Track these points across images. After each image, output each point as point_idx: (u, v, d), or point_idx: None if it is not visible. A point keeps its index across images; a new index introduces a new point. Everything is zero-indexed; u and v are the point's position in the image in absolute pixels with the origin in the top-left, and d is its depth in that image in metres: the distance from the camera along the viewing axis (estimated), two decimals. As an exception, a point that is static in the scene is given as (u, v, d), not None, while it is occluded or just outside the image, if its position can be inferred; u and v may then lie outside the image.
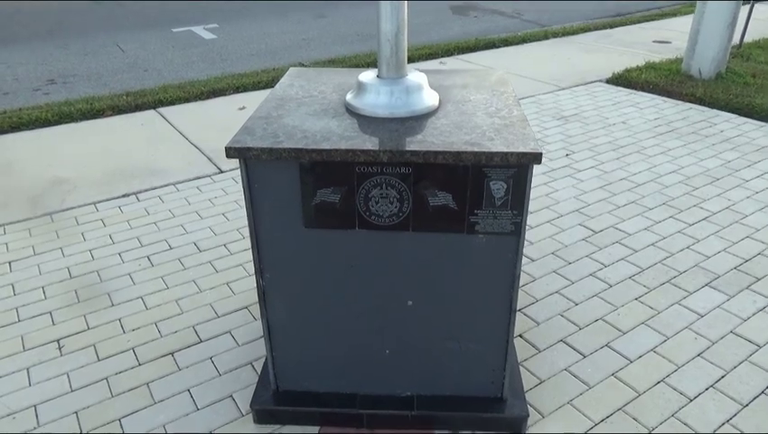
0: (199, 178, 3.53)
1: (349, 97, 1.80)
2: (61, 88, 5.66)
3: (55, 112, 4.53)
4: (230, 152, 1.51)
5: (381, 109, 1.69)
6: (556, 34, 7.06)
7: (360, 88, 1.75)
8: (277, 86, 1.99)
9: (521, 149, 1.47)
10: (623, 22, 7.82)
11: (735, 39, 5.54)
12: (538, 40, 6.83)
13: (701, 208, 3.08)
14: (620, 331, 2.21)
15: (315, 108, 1.77)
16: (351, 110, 1.75)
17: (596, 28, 7.41)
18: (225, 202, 3.22)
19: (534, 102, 4.68)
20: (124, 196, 3.31)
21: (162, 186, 3.42)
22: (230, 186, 3.41)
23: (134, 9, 9.70)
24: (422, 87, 1.75)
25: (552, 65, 5.72)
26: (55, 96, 5.34)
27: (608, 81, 5.20)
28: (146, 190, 3.38)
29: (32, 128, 4.29)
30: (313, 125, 1.65)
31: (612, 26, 7.54)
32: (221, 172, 3.60)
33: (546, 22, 8.43)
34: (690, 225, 2.92)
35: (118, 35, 7.66)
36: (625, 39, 6.78)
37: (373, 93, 1.72)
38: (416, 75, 1.78)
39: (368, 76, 1.77)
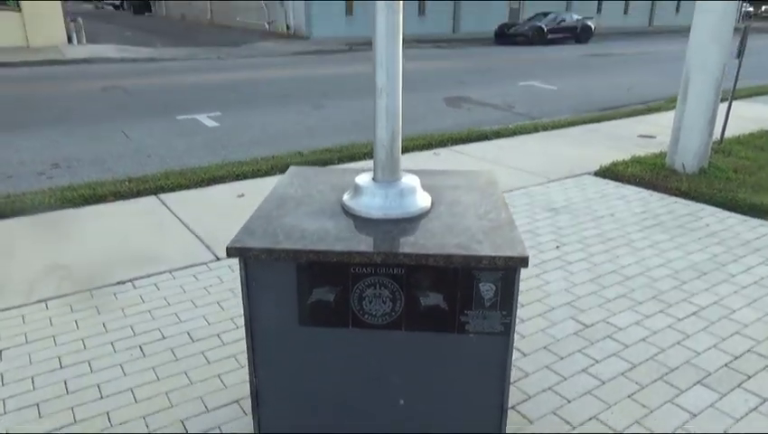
0: (195, 265, 3.57)
1: (345, 197, 1.89)
2: (65, 172, 5.81)
3: (57, 197, 4.63)
4: (231, 252, 1.57)
5: (376, 211, 1.78)
6: (545, 127, 7.37)
7: (357, 190, 1.85)
8: (278, 184, 2.08)
9: (509, 253, 1.54)
10: (610, 116, 8.20)
11: (716, 134, 5.81)
12: (529, 132, 7.12)
13: (690, 302, 3.12)
14: (614, 431, 2.19)
15: (314, 208, 1.86)
16: (347, 211, 1.83)
17: (584, 122, 7.75)
18: (220, 291, 3.25)
19: (525, 194, 4.83)
20: (119, 283, 3.33)
21: (158, 273, 3.46)
22: (226, 274, 3.45)
23: (141, 98, 10.13)
24: (415, 189, 1.85)
25: (542, 157, 5.94)
26: (59, 180, 5.47)
27: (596, 174, 5.39)
28: (143, 277, 3.41)
29: (34, 213, 4.37)
30: (310, 225, 1.73)
31: (599, 120, 7.89)
32: (218, 259, 3.64)
33: (536, 115, 8.83)
34: (680, 320, 2.95)
35: (124, 123, 7.95)
36: (612, 133, 7.08)
37: (368, 195, 1.81)
38: (409, 178, 1.89)
39: (364, 179, 1.87)
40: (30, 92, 10.65)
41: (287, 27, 23.03)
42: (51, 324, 2.91)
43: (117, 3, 46.28)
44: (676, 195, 4.80)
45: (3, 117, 8.40)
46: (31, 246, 3.83)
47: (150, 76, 12.76)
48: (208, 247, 3.81)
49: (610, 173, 5.35)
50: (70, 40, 17.87)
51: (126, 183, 5.04)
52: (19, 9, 16.69)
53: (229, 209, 4.47)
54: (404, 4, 1.76)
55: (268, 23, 24.07)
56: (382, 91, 1.76)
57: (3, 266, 3.53)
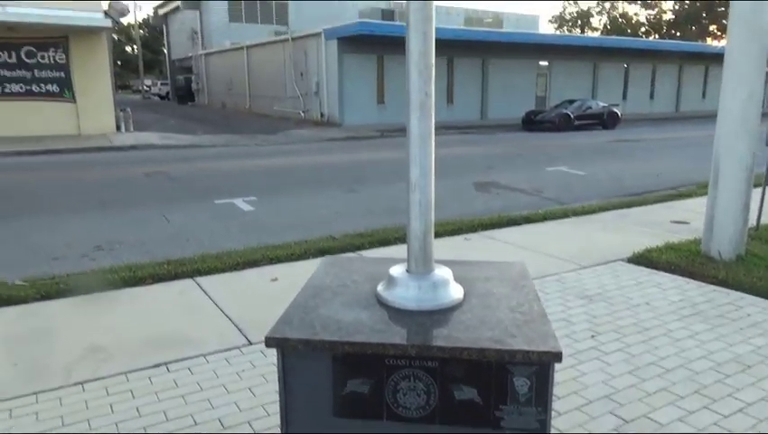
0: (228, 350, 3.61)
1: (380, 288, 1.94)
2: (107, 255, 6.04)
3: (99, 279, 4.80)
4: (270, 342, 1.62)
5: (410, 302, 1.82)
6: (575, 213, 7.40)
7: (391, 281, 1.90)
8: (314, 274, 2.15)
9: (542, 348, 1.55)
10: (640, 202, 8.20)
11: (752, 221, 5.74)
12: (559, 218, 7.15)
13: (735, 398, 3.00)
14: None
15: (349, 299, 1.91)
16: (381, 302, 1.88)
17: (614, 207, 7.76)
18: (252, 376, 3.26)
19: (557, 280, 4.80)
20: (155, 367, 3.38)
21: (192, 357, 3.50)
22: (258, 359, 3.47)
23: (182, 182, 10.60)
24: (448, 281, 1.89)
25: (573, 243, 5.93)
26: (101, 262, 5.68)
27: (629, 261, 5.34)
28: (177, 360, 3.46)
29: (77, 295, 4.53)
30: (346, 316, 1.77)
31: (629, 206, 7.89)
32: (251, 344, 3.68)
33: (565, 200, 8.89)
34: (726, 417, 2.83)
35: (165, 206, 8.29)
36: (643, 219, 7.06)
37: (402, 287, 1.86)
38: (442, 270, 1.93)
39: (397, 270, 1.93)
40: (78, 177, 11.26)
41: (321, 115, 24.10)
42: (87, 407, 2.95)
43: (163, 94, 49.38)
44: (713, 283, 4.71)
45: (53, 201, 8.86)
46: (72, 327, 3.94)
47: (191, 162, 13.39)
48: (241, 331, 3.86)
49: (643, 259, 5.29)
50: (118, 128, 19.02)
51: (165, 265, 5.20)
52: (74, 100, 17.97)
53: (263, 293, 4.56)
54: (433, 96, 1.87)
55: (303, 112, 25.27)
56: (416, 186, 1.86)
57: (45, 348, 3.63)
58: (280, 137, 19.03)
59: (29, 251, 6.16)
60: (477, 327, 1.68)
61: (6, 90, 17.18)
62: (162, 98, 49.34)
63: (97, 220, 7.54)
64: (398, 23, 26.89)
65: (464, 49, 24.46)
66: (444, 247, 5.70)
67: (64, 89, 17.84)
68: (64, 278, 4.92)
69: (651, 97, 33.32)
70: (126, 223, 7.36)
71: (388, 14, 39.34)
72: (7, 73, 17.13)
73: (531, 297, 1.92)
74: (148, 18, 57.28)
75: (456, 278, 1.97)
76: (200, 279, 4.90)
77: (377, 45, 22.39)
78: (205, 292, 4.60)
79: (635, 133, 21.64)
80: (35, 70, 17.43)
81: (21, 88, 17.35)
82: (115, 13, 18.63)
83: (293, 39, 25.89)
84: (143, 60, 54.54)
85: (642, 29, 58.01)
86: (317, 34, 23.67)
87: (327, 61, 23.22)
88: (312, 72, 24.44)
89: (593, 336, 3.74)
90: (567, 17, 62.05)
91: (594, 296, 4.46)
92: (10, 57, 17.07)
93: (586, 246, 5.83)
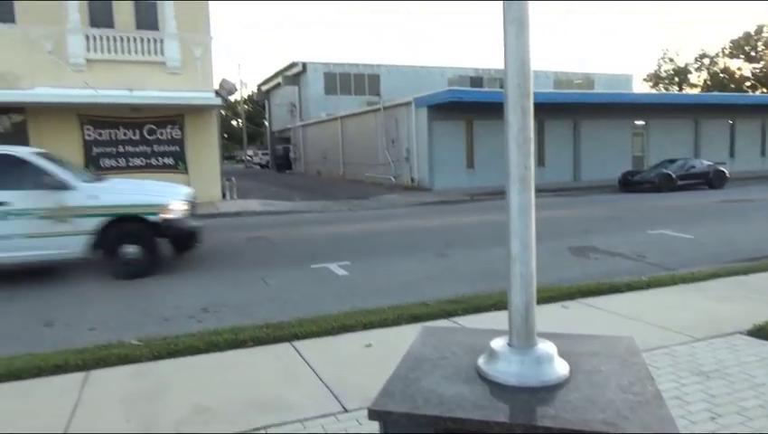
0: (324, 416, 3.64)
1: (480, 361, 1.92)
2: (212, 316, 6.38)
3: (205, 341, 5.06)
4: (373, 415, 1.64)
5: (512, 378, 1.78)
6: (684, 280, 6.91)
7: (492, 354, 1.88)
8: (413, 345, 2.17)
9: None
10: (759, 268, 7.52)
11: None
12: (666, 285, 6.71)
13: None
14: None
15: (449, 372, 1.90)
16: (482, 376, 1.85)
17: (728, 274, 7.18)
18: (348, 445, 3.26)
19: (667, 354, 4.47)
20: (255, 430, 3.47)
21: (290, 422, 3.56)
22: (353, 427, 3.47)
23: (280, 247, 11.10)
24: (552, 357, 1.84)
25: (683, 313, 5.53)
26: (207, 323, 6.00)
27: (750, 334, 4.88)
28: (275, 424, 3.53)
29: (185, 355, 4.79)
30: (447, 389, 1.76)
31: (746, 272, 7.27)
32: (346, 411, 3.69)
33: (671, 265, 8.36)
34: None
35: (265, 270, 8.68)
36: (763, 286, 6.47)
37: (504, 361, 1.83)
38: (546, 345, 1.89)
39: (498, 343, 1.91)
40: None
41: (412, 180, 24.58)
42: (193, 468, 3.07)
43: (263, 163, 52.71)
44: None
45: (165, 264, 9.55)
46: (180, 387, 4.15)
47: (289, 227, 14.03)
48: (336, 398, 3.89)
49: (767, 333, 4.82)
50: (224, 196, 20.41)
51: (264, 328, 5.39)
52: (187, 171, 19.61)
53: (358, 359, 4.59)
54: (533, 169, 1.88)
55: (394, 177, 25.90)
56: (516, 259, 1.86)
57: (155, 405, 3.85)
58: (372, 202, 19.55)
59: (143, 312, 6.64)
60: (586, 408, 1.61)
61: (130, 164, 19.10)
62: (262, 166, 52.64)
63: (203, 282, 8.03)
64: (486, 89, 27.33)
65: (555, 111, 24.29)
66: (540, 315, 5.48)
67: (178, 162, 19.56)
68: (174, 339, 5.24)
69: (763, 154, 31.12)
70: (229, 286, 7.77)
71: (476, 81, 40.18)
72: (131, 148, 19.09)
73: (643, 376, 1.81)
74: (252, 94, 62.24)
75: (560, 353, 1.91)
76: (297, 343, 5.03)
77: (466, 111, 22.78)
78: (302, 356, 4.71)
79: (746, 192, 20.16)
80: (154, 146, 19.30)
81: (141, 161, 19.22)
82: (224, 92, 20.44)
83: (384, 108, 26.99)
84: (246, 132, 58.83)
85: (747, 83, 54.91)
86: (408, 103, 24.53)
87: (417, 127, 23.88)
88: (402, 139, 25.19)
89: (713, 419, 3.41)
90: (663, 74, 60.11)
91: (710, 372, 4.09)
92: (134, 134, 19.07)
93: (699, 316, 5.41)
